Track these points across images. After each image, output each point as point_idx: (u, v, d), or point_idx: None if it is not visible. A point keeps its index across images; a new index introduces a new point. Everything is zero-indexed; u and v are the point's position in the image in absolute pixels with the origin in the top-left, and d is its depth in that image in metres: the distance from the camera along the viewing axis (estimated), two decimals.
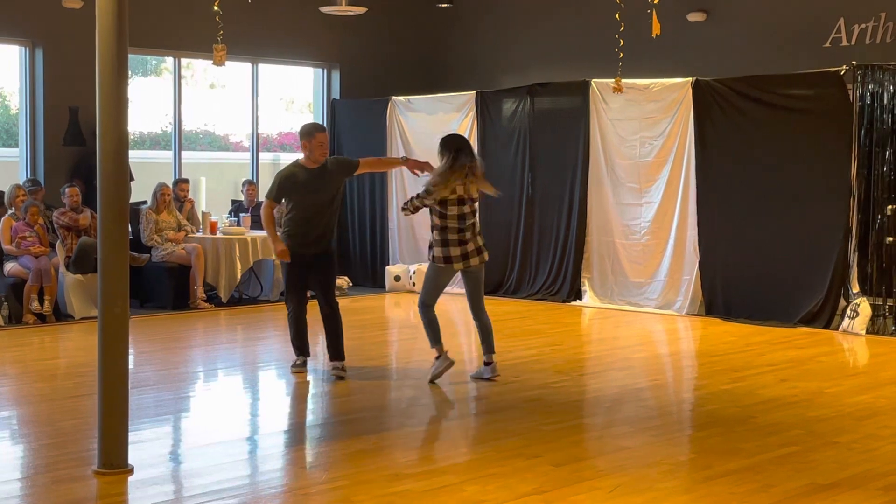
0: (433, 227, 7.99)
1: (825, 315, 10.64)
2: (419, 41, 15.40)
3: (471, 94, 13.37)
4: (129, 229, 7.15)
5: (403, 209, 8.19)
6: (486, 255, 8.11)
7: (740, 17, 12.66)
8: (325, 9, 12.74)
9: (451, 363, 8.02)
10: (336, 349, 8.28)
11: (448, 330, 11.26)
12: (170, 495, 5.41)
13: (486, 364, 8.10)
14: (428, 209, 7.99)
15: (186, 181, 12.90)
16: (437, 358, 8.01)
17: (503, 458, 5.95)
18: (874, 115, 10.34)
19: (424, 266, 13.28)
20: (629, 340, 10.28)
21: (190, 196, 12.88)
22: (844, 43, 11.77)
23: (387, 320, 12.05)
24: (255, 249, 12.26)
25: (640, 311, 11.78)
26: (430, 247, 8.06)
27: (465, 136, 13.34)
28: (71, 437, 6.43)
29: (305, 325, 8.42)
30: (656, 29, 8.54)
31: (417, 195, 8.03)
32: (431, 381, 7.94)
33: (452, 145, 7.98)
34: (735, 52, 12.51)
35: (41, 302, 10.69)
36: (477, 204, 8.11)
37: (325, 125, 14.88)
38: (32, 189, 11.59)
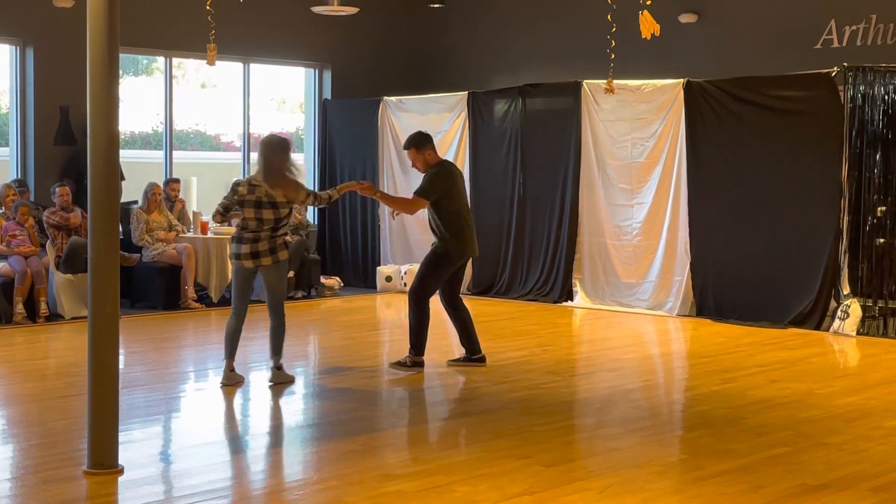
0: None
1: (816, 316, 10.66)
2: (411, 41, 15.40)
3: (462, 95, 13.37)
4: (120, 229, 7.14)
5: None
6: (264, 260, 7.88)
7: (732, 18, 12.68)
8: (316, 9, 12.73)
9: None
10: (467, 341, 8.68)
11: (438, 330, 11.27)
12: (160, 495, 5.40)
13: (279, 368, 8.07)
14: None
15: (177, 181, 12.88)
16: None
17: (494, 458, 5.95)
18: (865, 117, 10.36)
19: (416, 267, 13.32)
20: (620, 341, 10.29)
21: (181, 196, 12.85)
22: (835, 44, 11.80)
23: (378, 321, 12.04)
24: None
25: (632, 311, 11.78)
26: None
27: (457, 136, 13.43)
28: (61, 438, 6.42)
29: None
30: (653, 29, 8.49)
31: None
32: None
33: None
34: (726, 53, 12.53)
35: (30, 304, 10.66)
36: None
37: (315, 127, 14.90)
38: (19, 190, 11.57)
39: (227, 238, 12.02)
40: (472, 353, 8.65)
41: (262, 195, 7.75)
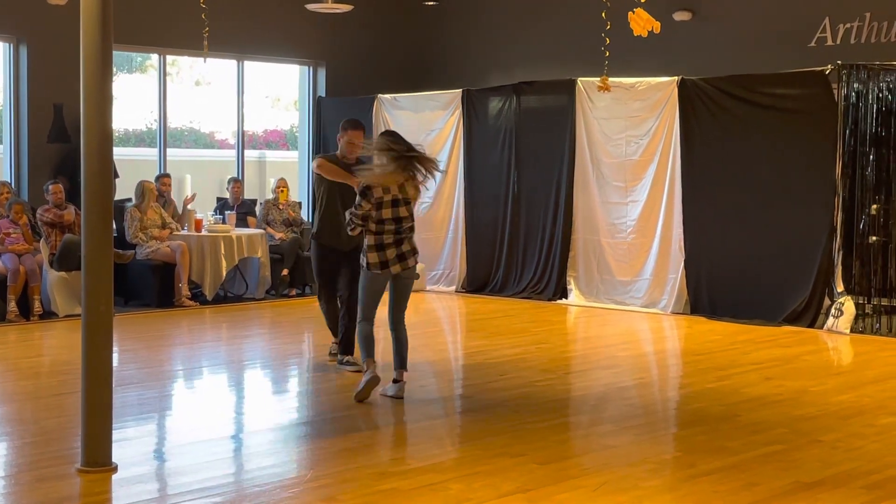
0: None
1: (810, 314, 10.67)
2: (405, 39, 15.39)
3: (457, 93, 13.36)
4: (114, 227, 7.12)
5: (352, 229, 7.40)
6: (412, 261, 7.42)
7: (726, 16, 12.69)
8: (311, 6, 12.71)
9: (378, 379, 7.31)
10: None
11: (434, 328, 11.27)
12: (153, 493, 5.40)
13: (395, 381, 7.41)
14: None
15: (168, 176, 12.86)
16: (366, 371, 7.37)
17: (488, 456, 5.95)
18: (859, 115, 10.37)
19: None
20: (614, 339, 10.29)
21: (173, 194, 12.83)
22: (830, 42, 11.81)
23: None
24: (241, 247, 12.23)
25: (626, 309, 11.79)
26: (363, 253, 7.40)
27: (451, 134, 13.42)
28: (54, 436, 6.41)
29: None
30: (651, 26, 8.45)
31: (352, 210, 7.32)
32: (359, 400, 7.23)
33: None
34: (721, 51, 12.53)
35: (23, 302, 10.64)
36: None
37: (309, 125, 14.88)
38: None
39: (221, 236, 12.07)
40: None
41: (396, 193, 7.26)
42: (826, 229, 10.56)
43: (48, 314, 10.87)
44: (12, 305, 10.59)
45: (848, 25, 11.70)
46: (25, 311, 10.71)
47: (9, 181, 12.08)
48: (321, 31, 14.56)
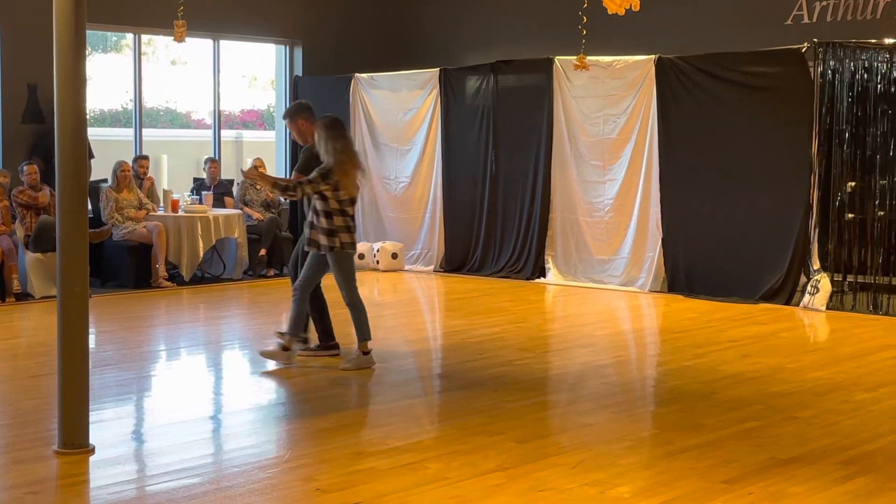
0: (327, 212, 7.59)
1: (786, 291, 10.73)
2: (383, 18, 15.32)
3: (434, 72, 13.33)
4: (90, 207, 7.09)
5: (290, 195, 7.75)
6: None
7: None
8: None
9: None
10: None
11: (412, 307, 11.28)
12: (132, 475, 5.38)
13: None
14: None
15: (146, 158, 12.79)
16: (367, 353, 7.79)
17: (467, 435, 5.96)
18: (835, 93, 10.41)
19: (389, 245, 13.32)
20: (592, 317, 10.32)
21: (150, 174, 12.76)
22: (806, 20, 11.83)
23: None
24: (218, 227, 12.18)
25: (604, 288, 11.82)
26: (331, 233, 7.56)
27: (429, 113, 13.38)
28: (31, 417, 6.38)
29: None
30: (630, 3, 8.40)
31: (310, 180, 7.46)
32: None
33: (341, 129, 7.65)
34: (698, 29, 12.53)
35: (0, 283, 10.59)
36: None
37: (286, 105, 14.83)
38: None
39: (198, 217, 12.03)
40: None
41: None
42: (802, 207, 10.61)
43: (25, 295, 10.81)
44: None
45: (824, 3, 11.72)
46: (2, 292, 10.64)
47: None
48: (297, 10, 14.48)
